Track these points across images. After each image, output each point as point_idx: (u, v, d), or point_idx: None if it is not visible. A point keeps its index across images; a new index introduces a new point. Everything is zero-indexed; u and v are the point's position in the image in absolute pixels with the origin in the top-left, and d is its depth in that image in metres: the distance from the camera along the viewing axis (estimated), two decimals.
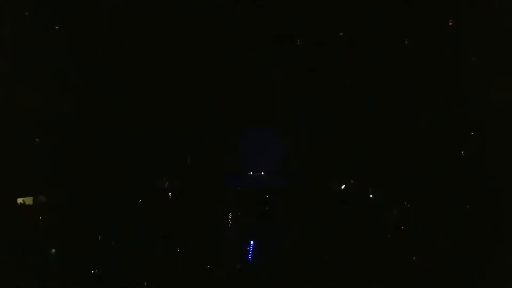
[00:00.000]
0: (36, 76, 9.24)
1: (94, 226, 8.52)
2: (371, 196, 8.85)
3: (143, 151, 9.29)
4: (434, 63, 8.90)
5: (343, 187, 9.63)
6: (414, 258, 7.08)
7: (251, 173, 11.53)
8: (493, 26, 8.58)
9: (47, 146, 9.38)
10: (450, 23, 9.07)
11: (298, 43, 9.56)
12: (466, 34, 8.87)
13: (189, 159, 9.75)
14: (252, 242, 6.98)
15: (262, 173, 11.60)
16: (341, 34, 9.40)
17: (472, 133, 8.77)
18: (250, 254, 6.81)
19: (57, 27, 9.19)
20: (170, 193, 9.15)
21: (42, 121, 9.33)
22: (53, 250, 7.88)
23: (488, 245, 7.39)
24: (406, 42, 9.16)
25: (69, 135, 9.37)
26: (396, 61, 9.13)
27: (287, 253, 7.64)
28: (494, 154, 8.38)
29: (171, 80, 9.57)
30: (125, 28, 9.33)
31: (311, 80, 9.57)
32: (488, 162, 8.41)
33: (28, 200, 9.26)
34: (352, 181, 9.43)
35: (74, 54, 9.42)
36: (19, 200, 9.21)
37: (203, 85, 9.63)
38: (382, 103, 9.26)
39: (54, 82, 9.39)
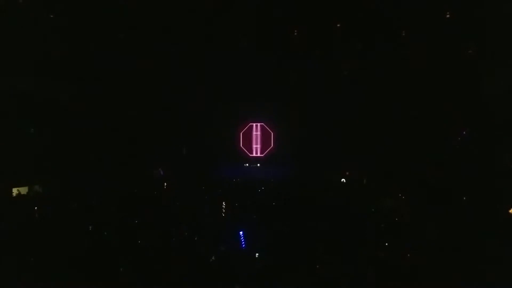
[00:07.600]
0: (32, 66, 9.25)
1: (89, 216, 8.44)
2: (365, 186, 8.85)
3: (138, 141, 9.28)
4: (429, 55, 8.89)
5: (343, 180, 9.69)
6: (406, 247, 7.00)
7: (246, 164, 11.53)
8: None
9: (42, 137, 9.39)
10: (448, 16, 9.05)
11: (295, 34, 9.52)
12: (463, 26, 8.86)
13: (185, 150, 9.77)
14: (242, 232, 6.94)
15: (258, 164, 11.62)
16: (338, 25, 9.38)
17: (466, 128, 8.75)
18: (243, 242, 6.75)
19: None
20: (165, 183, 9.17)
21: (38, 111, 9.35)
22: None
23: (480, 236, 7.34)
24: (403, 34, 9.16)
25: (64, 126, 9.37)
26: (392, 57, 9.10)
27: (280, 241, 7.52)
28: (488, 146, 8.35)
29: (166, 67, 9.52)
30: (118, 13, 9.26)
31: (309, 70, 9.54)
32: (483, 155, 8.37)
33: (23, 190, 9.37)
34: (347, 173, 9.45)
35: (71, 44, 9.39)
36: (14, 190, 9.40)
37: (199, 71, 9.54)
38: (379, 98, 9.24)
39: (50, 72, 9.41)
